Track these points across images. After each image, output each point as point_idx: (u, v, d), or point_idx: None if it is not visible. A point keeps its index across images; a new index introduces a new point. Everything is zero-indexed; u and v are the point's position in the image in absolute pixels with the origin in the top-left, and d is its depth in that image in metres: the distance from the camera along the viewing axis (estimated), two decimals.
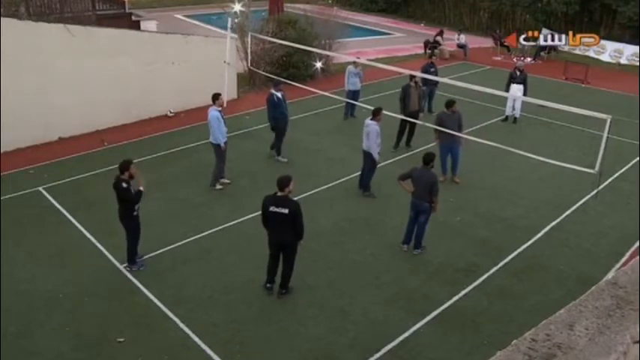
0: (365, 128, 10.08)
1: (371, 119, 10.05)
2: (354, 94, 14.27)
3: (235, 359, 6.44)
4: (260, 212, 7.27)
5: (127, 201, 7.63)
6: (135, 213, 7.74)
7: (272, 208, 7.05)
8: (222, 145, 10.33)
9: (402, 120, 12.01)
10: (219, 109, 10.26)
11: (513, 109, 14.60)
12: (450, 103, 10.89)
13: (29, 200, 10.09)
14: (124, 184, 7.55)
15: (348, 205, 10.07)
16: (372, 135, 9.90)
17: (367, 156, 10.17)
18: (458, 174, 11.01)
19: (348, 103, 14.05)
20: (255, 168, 11.33)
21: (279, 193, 7.07)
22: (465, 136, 10.68)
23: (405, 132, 12.47)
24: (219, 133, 10.20)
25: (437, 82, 13.89)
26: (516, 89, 14.06)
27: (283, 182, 7.06)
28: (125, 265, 8.05)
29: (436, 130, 10.77)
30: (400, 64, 18.32)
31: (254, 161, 11.74)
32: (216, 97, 10.25)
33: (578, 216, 9.90)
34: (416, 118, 11.94)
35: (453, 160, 10.94)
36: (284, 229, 7.12)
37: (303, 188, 10.42)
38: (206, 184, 10.57)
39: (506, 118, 14.78)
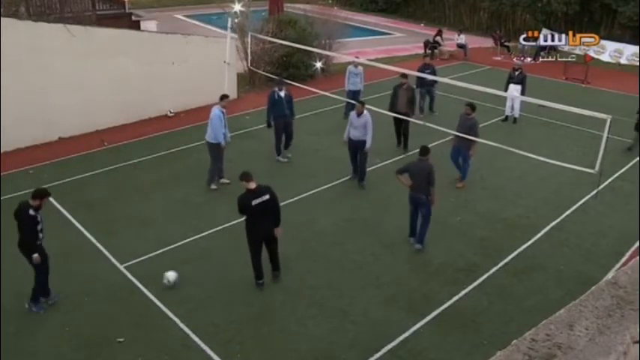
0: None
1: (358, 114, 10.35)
2: (354, 94, 14.27)
3: (235, 359, 6.45)
4: None
5: (28, 230, 6.93)
6: (39, 242, 7.01)
7: (255, 202, 7.16)
8: (223, 143, 10.34)
9: (395, 119, 12.14)
10: (223, 109, 10.30)
11: (512, 109, 14.61)
12: (469, 106, 10.72)
13: None
14: (31, 211, 6.84)
15: (348, 205, 10.07)
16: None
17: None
18: (465, 180, 10.76)
19: (348, 103, 14.04)
20: (255, 168, 11.15)
21: (251, 186, 7.12)
22: (471, 138, 10.42)
23: (401, 135, 12.48)
24: (219, 132, 10.22)
25: (434, 83, 13.88)
26: (513, 89, 14.04)
27: (248, 175, 7.27)
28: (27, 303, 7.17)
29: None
30: (400, 64, 18.28)
31: (254, 161, 11.69)
32: (223, 97, 10.39)
33: (578, 216, 9.90)
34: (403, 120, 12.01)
35: (462, 165, 10.82)
36: (268, 217, 7.33)
37: (303, 188, 10.43)
38: (206, 184, 10.58)
39: (506, 118, 14.78)
